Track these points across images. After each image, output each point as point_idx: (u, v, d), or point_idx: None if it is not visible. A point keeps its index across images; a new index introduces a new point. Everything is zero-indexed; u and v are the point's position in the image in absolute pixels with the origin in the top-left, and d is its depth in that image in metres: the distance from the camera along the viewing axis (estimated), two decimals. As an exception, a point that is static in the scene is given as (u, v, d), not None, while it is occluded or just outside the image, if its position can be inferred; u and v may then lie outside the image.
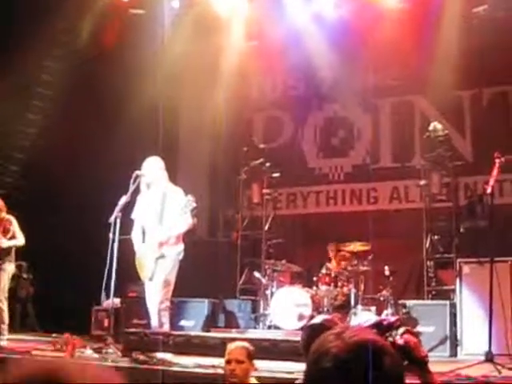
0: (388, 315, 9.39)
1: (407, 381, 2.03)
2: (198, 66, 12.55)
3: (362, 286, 10.45)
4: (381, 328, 2.80)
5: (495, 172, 7.74)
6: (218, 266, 12.14)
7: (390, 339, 2.74)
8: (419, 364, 2.79)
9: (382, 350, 1.89)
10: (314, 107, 13.45)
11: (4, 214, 9.50)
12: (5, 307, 9.23)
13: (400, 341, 2.76)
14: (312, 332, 3.81)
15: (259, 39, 13.00)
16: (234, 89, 12.84)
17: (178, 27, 12.29)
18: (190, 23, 12.34)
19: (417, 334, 2.97)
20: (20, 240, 9.42)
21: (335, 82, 12.44)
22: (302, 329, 6.26)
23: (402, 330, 2.88)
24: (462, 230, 10.57)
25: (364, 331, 1.97)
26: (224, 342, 6.17)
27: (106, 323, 9.24)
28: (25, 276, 13.35)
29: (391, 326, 2.86)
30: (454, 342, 9.31)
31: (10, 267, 9.49)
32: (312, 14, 12.29)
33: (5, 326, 9.18)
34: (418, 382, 2.77)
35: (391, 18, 11.58)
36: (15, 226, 9.43)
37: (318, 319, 4.20)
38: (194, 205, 7.88)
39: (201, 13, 12.40)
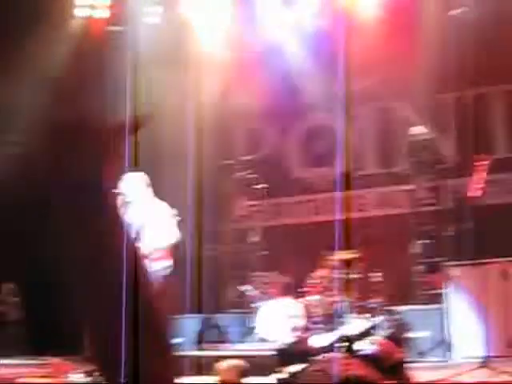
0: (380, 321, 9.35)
1: None
2: (177, 81, 12.47)
3: (352, 294, 10.37)
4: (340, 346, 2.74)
5: (479, 174, 7.72)
6: (206, 281, 12.03)
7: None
8: (394, 368, 2.72)
9: None
10: (296, 117, 13.39)
11: None
12: None
13: (368, 351, 2.70)
14: (282, 356, 3.77)
15: (238, 51, 12.95)
16: (215, 102, 12.77)
17: (156, 43, 12.20)
18: (169, 38, 12.29)
19: (395, 338, 2.88)
20: None
21: (316, 91, 12.39)
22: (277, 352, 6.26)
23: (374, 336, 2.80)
24: (449, 233, 10.55)
25: (356, 365, 1.91)
26: (215, 360, 6.08)
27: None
28: (13, 299, 13.22)
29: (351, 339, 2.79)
30: (448, 347, 9.26)
31: None
32: (291, 24, 12.31)
33: None
34: None
35: (370, 26, 11.60)
36: None
37: (288, 343, 4.21)
38: (178, 218, 7.79)
39: (179, 27, 12.37)
